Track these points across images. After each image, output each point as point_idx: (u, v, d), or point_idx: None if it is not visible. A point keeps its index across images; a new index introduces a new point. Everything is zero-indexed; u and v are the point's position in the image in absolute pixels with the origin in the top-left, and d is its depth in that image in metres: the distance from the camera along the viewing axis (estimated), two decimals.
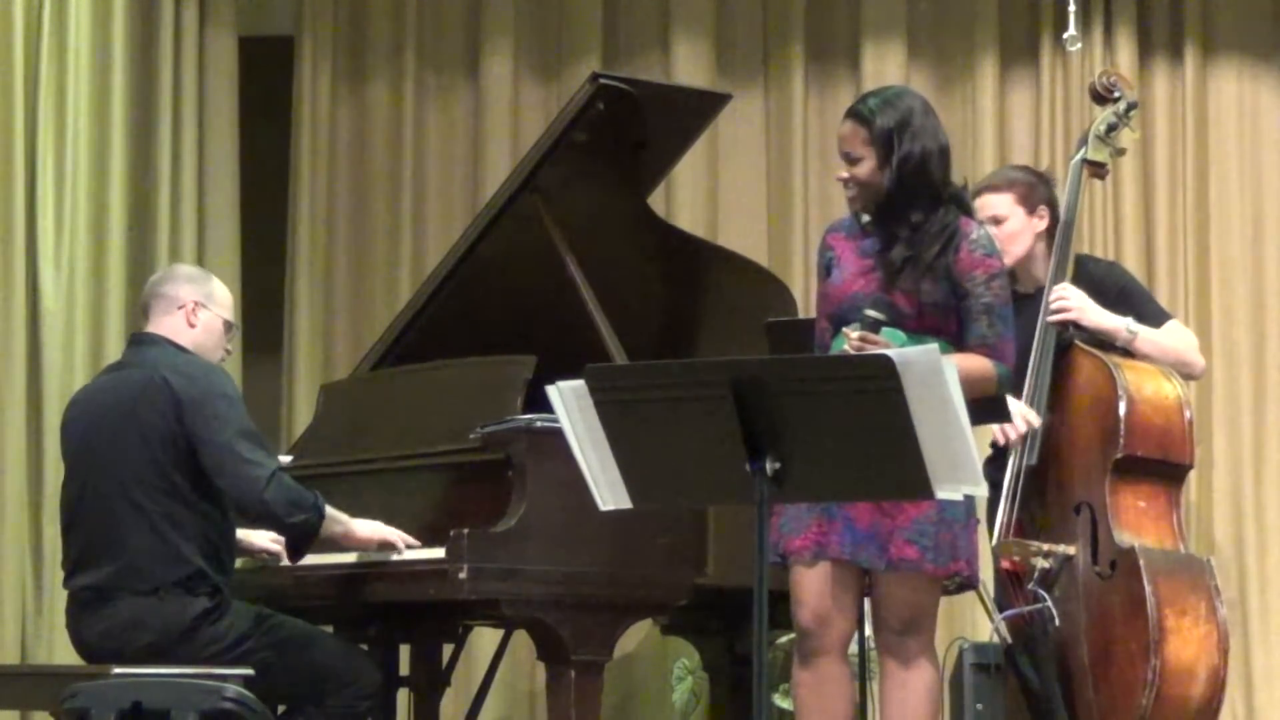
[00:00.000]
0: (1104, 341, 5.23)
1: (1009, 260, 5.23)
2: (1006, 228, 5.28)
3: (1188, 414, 5.16)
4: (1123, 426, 5.05)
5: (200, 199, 6.91)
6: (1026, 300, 5.20)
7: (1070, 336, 5.19)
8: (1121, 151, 5.53)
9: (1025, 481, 5.10)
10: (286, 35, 7.34)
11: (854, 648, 4.88)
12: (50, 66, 6.32)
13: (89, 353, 6.33)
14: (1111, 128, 5.44)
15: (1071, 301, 5.22)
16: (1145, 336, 5.25)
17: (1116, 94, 5.48)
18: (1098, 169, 5.45)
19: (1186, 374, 5.33)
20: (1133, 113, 5.48)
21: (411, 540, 4.93)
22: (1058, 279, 5.23)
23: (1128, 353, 5.33)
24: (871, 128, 4.46)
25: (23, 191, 6.20)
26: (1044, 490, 5.14)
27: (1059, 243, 5.28)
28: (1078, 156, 5.43)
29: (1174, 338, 5.33)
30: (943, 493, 3.58)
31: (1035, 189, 5.35)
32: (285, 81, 7.29)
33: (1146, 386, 5.12)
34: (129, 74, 6.59)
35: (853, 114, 4.52)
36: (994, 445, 5.18)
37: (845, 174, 4.52)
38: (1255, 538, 6.95)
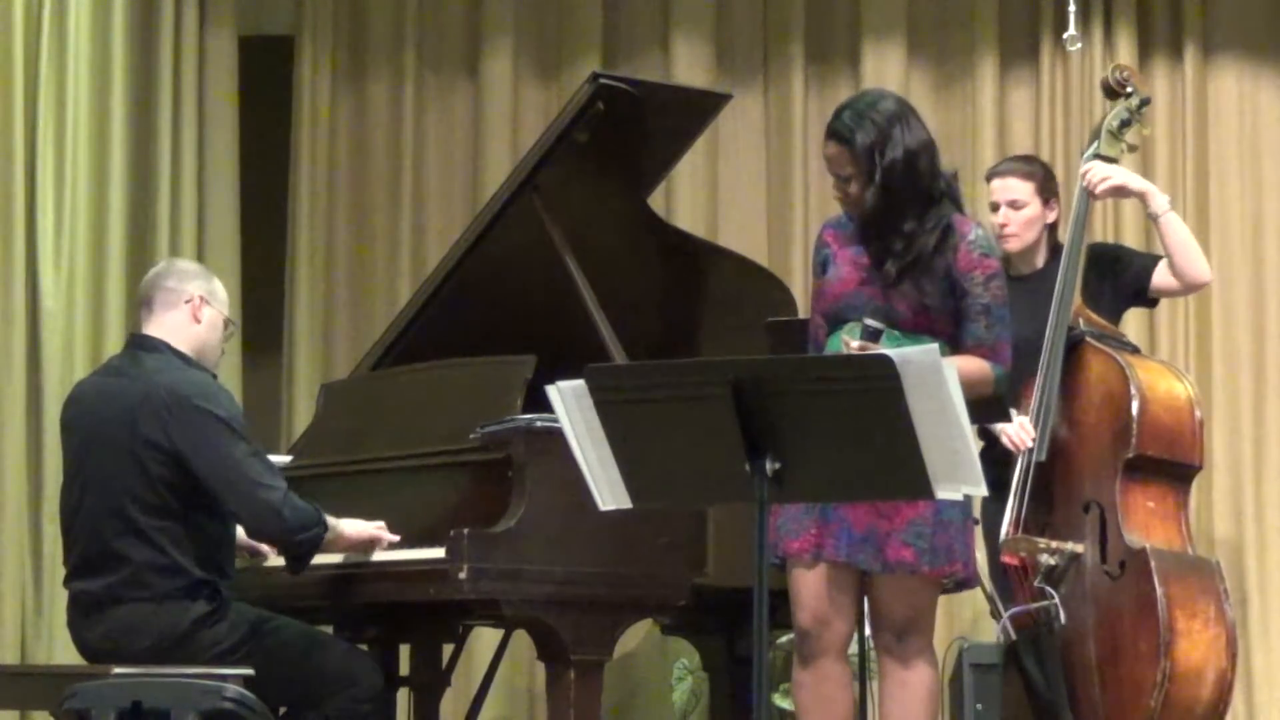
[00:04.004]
0: (1112, 338, 5.23)
1: (1017, 245, 5.34)
2: (1025, 213, 5.39)
3: (1198, 414, 5.15)
4: (1135, 426, 5.04)
5: (200, 199, 6.90)
6: (1023, 282, 5.23)
7: (1080, 334, 5.19)
8: (1133, 148, 5.53)
9: (1033, 478, 5.09)
10: (286, 34, 7.34)
11: (854, 648, 4.88)
12: (50, 66, 6.31)
13: (89, 353, 6.32)
14: (1125, 123, 5.44)
15: (1106, 170, 5.33)
16: (1176, 216, 5.36)
17: (1129, 89, 5.48)
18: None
19: (1195, 278, 5.37)
20: (1145, 109, 5.48)
21: (391, 536, 4.93)
22: (1071, 265, 5.24)
23: (1135, 349, 5.34)
24: (853, 146, 4.42)
25: (23, 191, 6.20)
26: (1051, 487, 5.14)
27: (1071, 241, 5.30)
28: (1089, 151, 5.43)
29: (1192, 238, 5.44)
30: (943, 493, 3.58)
31: (1050, 183, 5.50)
32: (285, 81, 7.29)
33: (1159, 386, 5.12)
34: (129, 74, 6.58)
35: (833, 134, 4.46)
36: (989, 443, 5.18)
37: (841, 194, 4.50)
38: (1255, 538, 6.94)
